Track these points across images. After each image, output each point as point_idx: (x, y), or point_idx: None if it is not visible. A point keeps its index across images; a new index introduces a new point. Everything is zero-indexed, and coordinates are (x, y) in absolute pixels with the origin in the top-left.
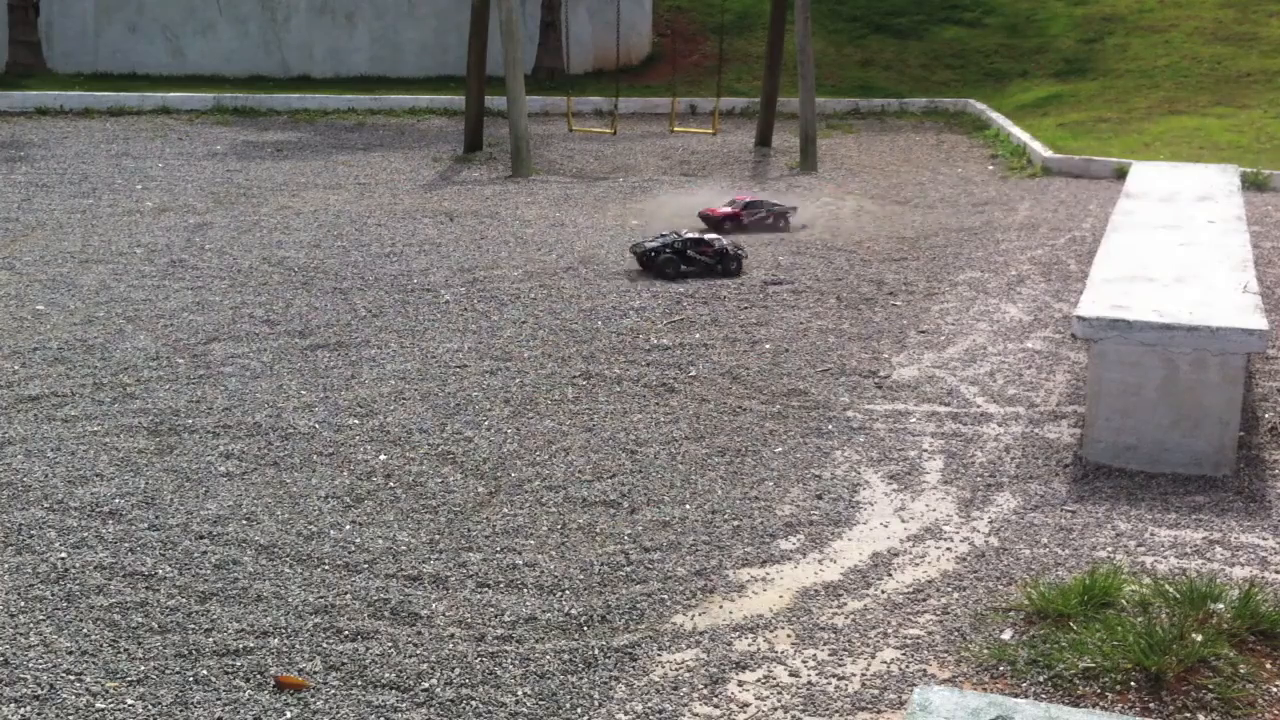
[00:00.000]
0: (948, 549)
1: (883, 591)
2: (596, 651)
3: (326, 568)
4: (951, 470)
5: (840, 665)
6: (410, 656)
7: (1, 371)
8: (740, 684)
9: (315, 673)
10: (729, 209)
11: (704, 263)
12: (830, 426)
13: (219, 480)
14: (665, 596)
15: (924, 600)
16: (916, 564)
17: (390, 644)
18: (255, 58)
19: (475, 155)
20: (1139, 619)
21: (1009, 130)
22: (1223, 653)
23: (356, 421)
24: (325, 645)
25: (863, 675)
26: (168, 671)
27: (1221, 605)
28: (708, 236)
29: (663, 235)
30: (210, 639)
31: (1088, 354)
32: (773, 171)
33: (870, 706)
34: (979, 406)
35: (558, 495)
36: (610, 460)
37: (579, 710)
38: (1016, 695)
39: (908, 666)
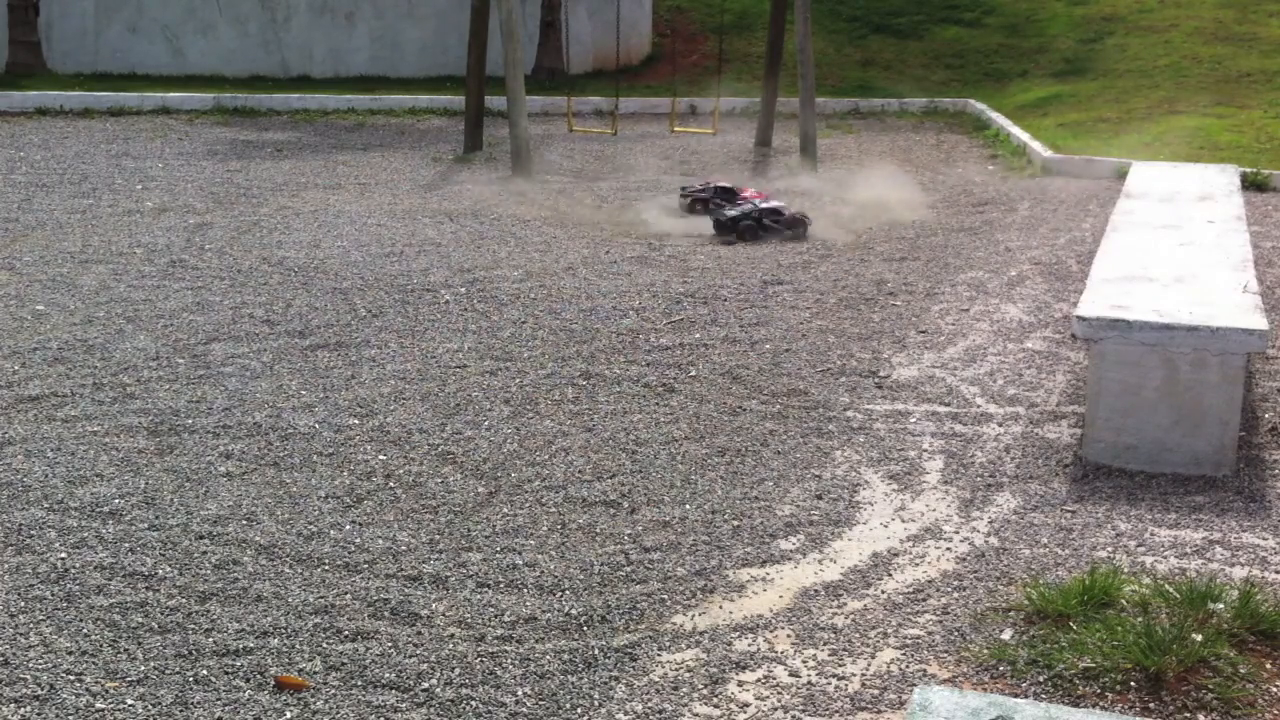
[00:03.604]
0: (948, 549)
1: (883, 591)
2: (596, 651)
3: (326, 568)
4: (951, 470)
5: (840, 665)
6: (410, 656)
7: (1, 371)
8: (740, 684)
9: (315, 673)
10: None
11: (777, 229)
12: (830, 426)
13: (219, 480)
14: (665, 596)
15: (924, 600)
16: (916, 564)
17: (390, 644)
18: (255, 58)
19: (475, 155)
20: (1139, 619)
21: (1009, 130)
22: (1223, 653)
23: (356, 421)
24: (325, 645)
25: (863, 675)
26: (168, 671)
27: (1221, 605)
28: (778, 205)
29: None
30: (210, 639)
31: (1088, 354)
32: (773, 171)
33: (870, 706)
34: (979, 406)
35: (558, 495)
36: (610, 460)
37: (579, 710)
38: (1016, 695)
39: (908, 666)
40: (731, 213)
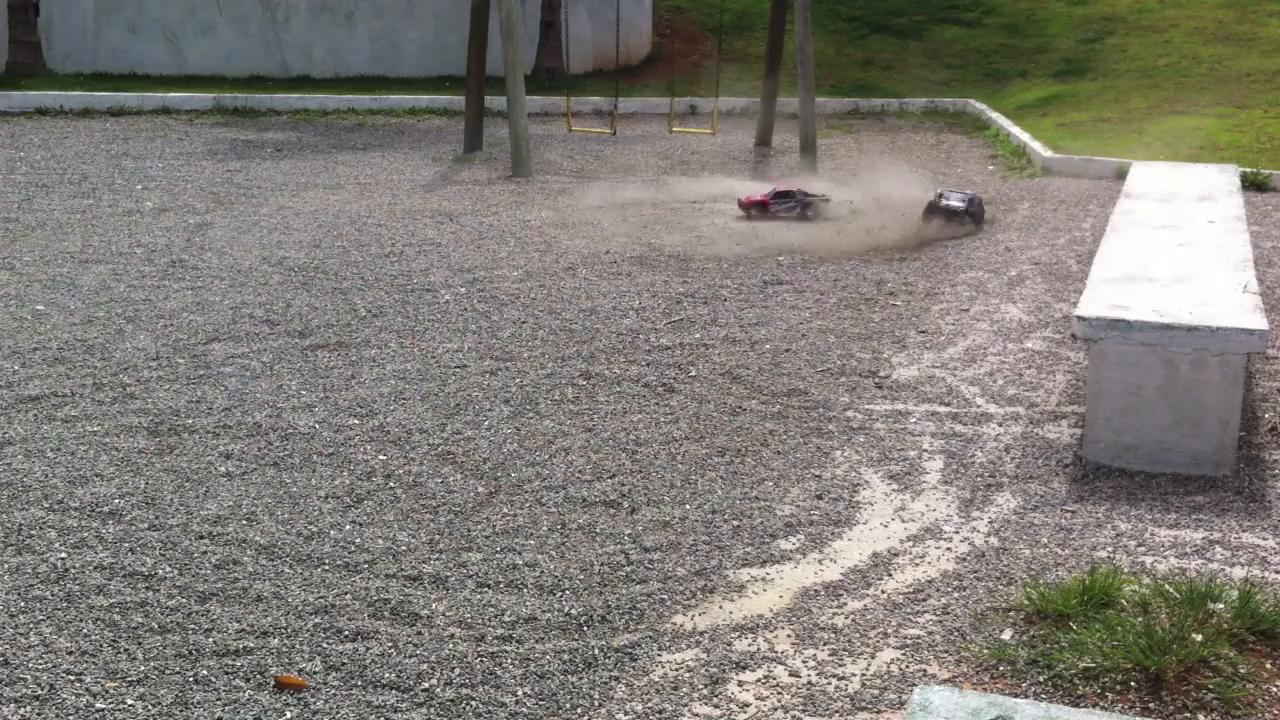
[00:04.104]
0: (948, 549)
1: (883, 591)
2: (596, 651)
3: (326, 568)
4: (951, 470)
5: (840, 665)
6: (410, 656)
7: (1, 371)
8: (740, 684)
9: (315, 673)
10: (761, 196)
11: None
12: (830, 426)
13: (219, 480)
14: (665, 596)
15: (924, 600)
16: (916, 564)
17: (390, 644)
18: (255, 58)
19: (475, 155)
20: (1139, 619)
21: (1009, 130)
22: (1223, 653)
23: (356, 421)
24: (325, 645)
25: (863, 675)
26: (168, 671)
27: (1221, 605)
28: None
29: (962, 193)
30: (210, 639)
31: (1088, 354)
32: (773, 171)
33: (870, 706)
34: (979, 406)
35: (558, 495)
36: (610, 460)
37: (579, 710)
38: (1016, 695)
39: (908, 666)
40: (955, 202)
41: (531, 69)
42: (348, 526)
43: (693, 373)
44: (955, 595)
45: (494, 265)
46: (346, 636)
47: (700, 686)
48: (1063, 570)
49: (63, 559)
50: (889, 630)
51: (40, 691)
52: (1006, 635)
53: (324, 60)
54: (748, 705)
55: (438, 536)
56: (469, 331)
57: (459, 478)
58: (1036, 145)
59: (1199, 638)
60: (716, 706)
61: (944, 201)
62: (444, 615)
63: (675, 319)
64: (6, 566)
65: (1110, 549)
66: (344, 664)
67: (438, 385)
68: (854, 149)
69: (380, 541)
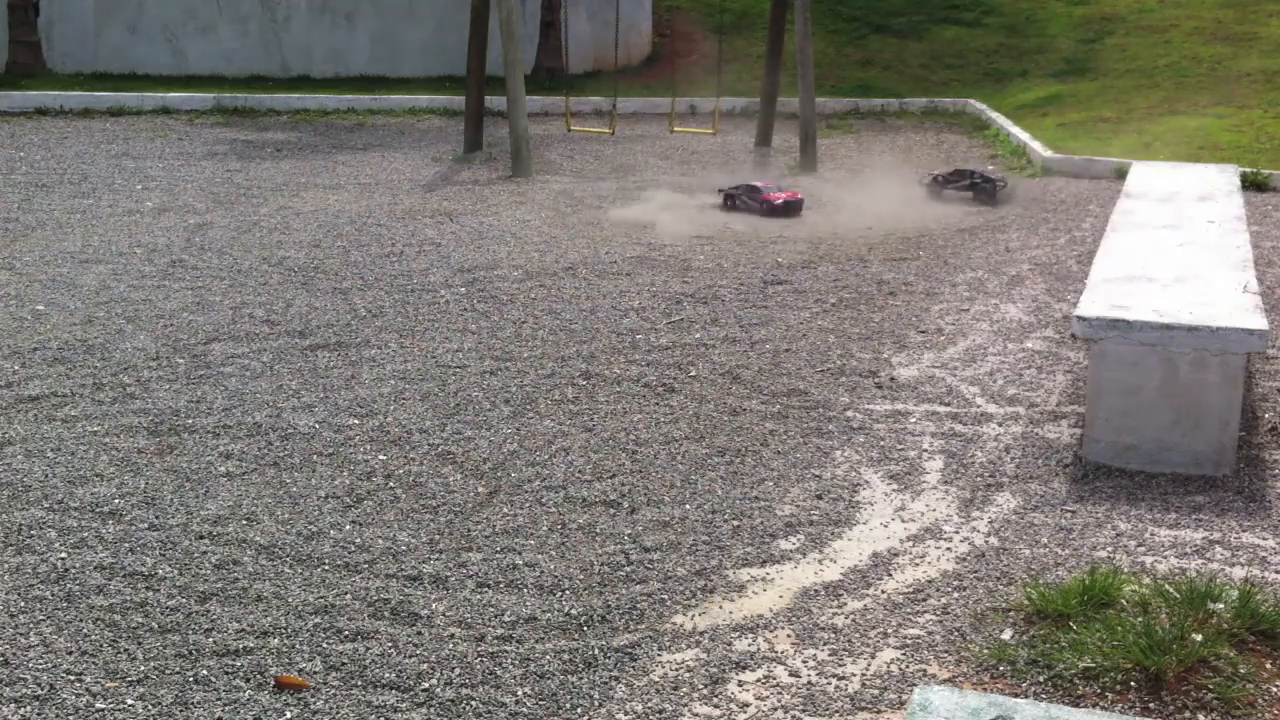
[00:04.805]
0: (948, 549)
1: (883, 591)
2: (596, 651)
3: (326, 568)
4: (951, 470)
5: (840, 665)
6: (410, 656)
7: (1, 371)
8: (740, 684)
9: (315, 673)
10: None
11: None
12: (830, 426)
13: (219, 480)
14: (665, 596)
15: (924, 600)
16: (916, 564)
17: (390, 644)
18: (255, 58)
19: (475, 155)
20: (1139, 619)
21: (1009, 130)
22: (1223, 653)
23: (356, 421)
24: (325, 645)
25: (863, 675)
26: (168, 671)
27: (1221, 605)
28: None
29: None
30: (210, 639)
31: (1088, 354)
32: (773, 171)
33: (870, 706)
34: (979, 406)
35: (558, 495)
36: (610, 460)
37: (579, 710)
38: (1016, 695)
39: (908, 666)
40: (995, 178)
41: (531, 69)
42: (348, 526)
43: (693, 373)
44: (955, 595)
45: (494, 265)
46: (346, 636)
47: (700, 686)
48: (1063, 570)
49: (63, 559)
50: (889, 630)
51: (40, 691)
52: (1006, 635)
53: (324, 60)
54: (748, 705)
55: (438, 536)
56: (469, 331)
57: (459, 478)
58: (1036, 145)
59: (1199, 638)
60: (716, 706)
61: (979, 177)
62: (444, 615)
63: (675, 319)
64: (6, 566)
65: (1110, 549)
66: (344, 664)
67: (438, 385)
68: (854, 149)
69: (380, 541)
